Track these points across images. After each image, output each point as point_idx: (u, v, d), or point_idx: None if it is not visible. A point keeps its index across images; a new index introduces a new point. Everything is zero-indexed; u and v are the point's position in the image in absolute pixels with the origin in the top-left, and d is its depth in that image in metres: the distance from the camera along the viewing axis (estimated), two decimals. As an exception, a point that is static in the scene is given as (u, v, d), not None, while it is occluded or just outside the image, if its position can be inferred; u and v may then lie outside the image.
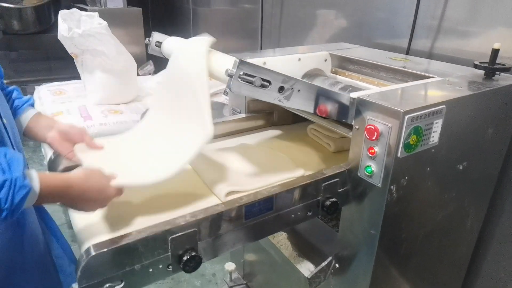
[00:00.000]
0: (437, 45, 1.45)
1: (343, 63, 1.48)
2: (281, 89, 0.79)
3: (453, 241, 1.23)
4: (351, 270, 1.07)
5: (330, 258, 1.10)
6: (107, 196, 0.80)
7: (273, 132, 1.40)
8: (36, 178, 0.68)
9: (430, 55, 1.47)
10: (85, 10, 2.92)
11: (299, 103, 0.85)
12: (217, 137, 1.31)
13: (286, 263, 1.18)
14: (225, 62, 0.78)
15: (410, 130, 0.84)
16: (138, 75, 2.82)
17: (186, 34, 3.50)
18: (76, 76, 2.82)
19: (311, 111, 0.89)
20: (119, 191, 0.82)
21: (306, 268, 1.14)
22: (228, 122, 1.35)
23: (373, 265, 0.98)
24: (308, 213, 0.96)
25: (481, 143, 1.07)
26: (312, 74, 1.44)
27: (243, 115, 1.39)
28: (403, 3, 1.53)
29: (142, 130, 1.02)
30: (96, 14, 2.21)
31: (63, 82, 2.74)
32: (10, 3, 3.42)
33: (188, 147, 0.85)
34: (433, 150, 0.93)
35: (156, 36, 1.09)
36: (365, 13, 1.74)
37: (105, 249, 0.68)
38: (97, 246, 0.68)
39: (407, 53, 1.51)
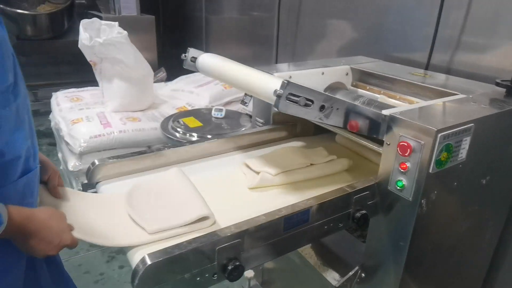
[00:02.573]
0: (456, 59, 1.49)
1: (363, 77, 1.52)
2: (322, 108, 0.83)
3: (472, 252, 1.27)
4: (377, 280, 1.10)
5: (357, 268, 1.14)
6: (62, 242, 0.79)
7: (298, 143, 1.44)
8: (3, 207, 0.68)
9: (448, 71, 1.51)
10: (99, 17, 2.97)
11: (336, 121, 0.89)
12: (243, 147, 1.36)
13: (312, 272, 1.22)
14: (270, 81, 0.83)
15: (442, 147, 0.88)
16: (152, 82, 2.86)
17: (199, 42, 3.58)
18: (85, 81, 2.90)
19: (344, 126, 0.93)
20: (74, 242, 0.81)
21: (332, 277, 1.18)
22: (254, 134, 1.39)
23: (401, 276, 1.02)
24: (339, 224, 1.00)
25: (503, 158, 1.12)
26: (334, 87, 1.48)
27: (267, 127, 1.43)
28: (422, 17, 1.58)
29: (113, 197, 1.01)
30: (116, 23, 2.26)
31: (80, 89, 2.79)
32: (24, 10, 3.47)
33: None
34: (460, 165, 0.97)
35: (192, 52, 1.14)
36: (383, 26, 1.78)
37: (161, 259, 0.72)
38: (152, 255, 0.72)
39: (426, 68, 1.56)
